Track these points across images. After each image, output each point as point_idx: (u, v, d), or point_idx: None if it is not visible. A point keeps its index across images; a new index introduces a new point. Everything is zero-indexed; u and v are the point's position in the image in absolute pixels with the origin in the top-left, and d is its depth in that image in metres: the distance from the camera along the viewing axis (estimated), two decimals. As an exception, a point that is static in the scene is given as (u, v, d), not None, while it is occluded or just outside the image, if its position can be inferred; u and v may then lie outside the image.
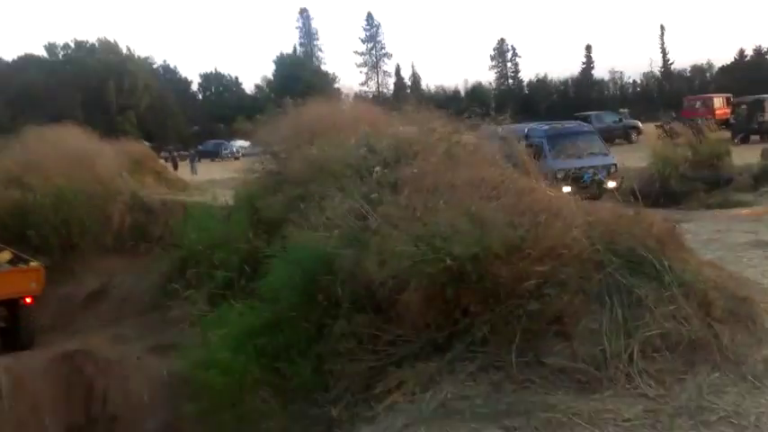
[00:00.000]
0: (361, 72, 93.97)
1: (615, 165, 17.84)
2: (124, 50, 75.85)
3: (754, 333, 4.91)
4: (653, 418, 4.03)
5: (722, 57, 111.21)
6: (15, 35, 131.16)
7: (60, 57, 74.37)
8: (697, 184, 18.19)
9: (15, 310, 12.04)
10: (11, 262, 12.53)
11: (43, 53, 75.15)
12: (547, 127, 18.53)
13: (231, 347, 6.85)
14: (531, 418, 4.17)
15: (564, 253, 4.96)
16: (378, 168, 6.94)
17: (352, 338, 5.76)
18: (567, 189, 14.46)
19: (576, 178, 15.48)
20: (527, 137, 16.38)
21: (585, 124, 21.67)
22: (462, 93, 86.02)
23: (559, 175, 14.41)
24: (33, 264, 12.50)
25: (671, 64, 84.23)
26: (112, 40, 76.33)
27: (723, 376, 4.42)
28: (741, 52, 78.70)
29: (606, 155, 18.00)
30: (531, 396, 4.45)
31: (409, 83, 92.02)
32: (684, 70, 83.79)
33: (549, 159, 15.49)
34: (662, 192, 17.30)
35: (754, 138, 32.43)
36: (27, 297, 12.10)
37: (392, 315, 5.64)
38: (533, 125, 19.48)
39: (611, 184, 16.20)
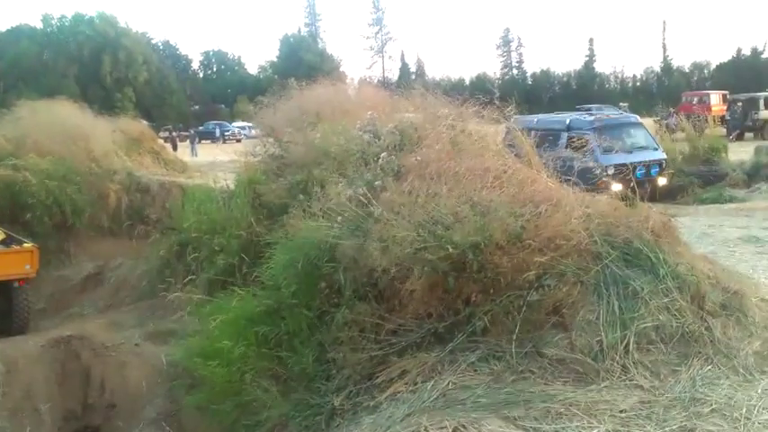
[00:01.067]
0: (366, 56, 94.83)
1: (666, 160, 17.16)
2: (123, 24, 75.98)
3: (745, 326, 5.17)
4: (648, 409, 4.28)
5: (720, 55, 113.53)
6: (12, 6, 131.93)
7: (55, 28, 74.44)
8: (692, 178, 18.76)
9: (8, 293, 12.15)
10: (4, 243, 12.57)
11: (39, 25, 75.36)
12: (592, 118, 17.43)
13: (231, 335, 7.10)
14: (531, 408, 4.40)
15: (563, 244, 5.21)
16: (383, 155, 7.15)
17: (354, 327, 6.01)
18: (617, 187, 14.02)
19: (626, 175, 14.43)
20: (568, 128, 15.87)
21: (631, 115, 20.52)
22: (467, 82, 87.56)
23: (609, 171, 14.07)
24: (27, 245, 12.57)
25: (671, 60, 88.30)
26: (110, 15, 76.49)
27: (716, 369, 4.67)
28: (738, 51, 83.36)
29: (656, 149, 17.12)
30: (531, 386, 4.70)
31: (414, 69, 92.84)
32: (683, 67, 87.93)
33: (597, 154, 14.69)
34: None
35: (749, 135, 34.14)
36: (20, 279, 12.20)
37: (394, 304, 5.89)
38: (574, 115, 18.62)
39: (662, 182, 15.80)
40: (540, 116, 19.03)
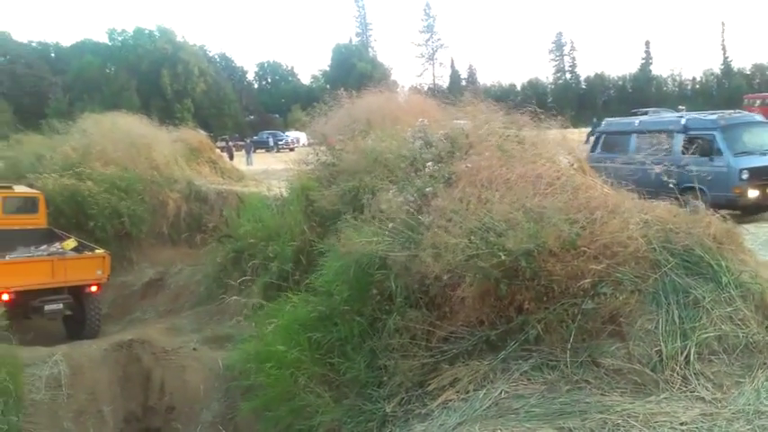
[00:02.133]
0: (417, 63, 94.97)
1: None
2: (180, 38, 77.75)
3: (813, 337, 4.86)
4: (710, 422, 4.07)
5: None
6: (76, 21, 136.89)
7: (119, 42, 76.68)
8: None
9: (81, 299, 12.40)
10: (76, 250, 12.94)
11: (105, 39, 77.76)
12: (715, 116, 14.79)
13: (285, 340, 7.11)
14: (587, 419, 4.24)
15: (620, 251, 5.03)
16: (429, 163, 7.07)
17: (405, 334, 5.94)
18: (753, 194, 12.63)
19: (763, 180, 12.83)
20: (686, 129, 13.81)
21: (753, 114, 17.52)
22: (518, 87, 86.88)
23: (744, 176, 12.68)
24: (99, 251, 12.86)
25: (731, 61, 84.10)
26: (170, 28, 78.46)
27: (781, 381, 4.43)
28: (802, 51, 78.93)
29: None
30: (586, 397, 4.54)
31: (465, 75, 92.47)
32: (744, 68, 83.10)
33: (728, 157, 12.93)
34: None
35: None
36: (93, 285, 12.42)
37: (446, 311, 5.80)
38: (691, 115, 16.19)
39: None
40: (644, 118, 17.17)
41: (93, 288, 12.48)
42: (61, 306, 12.12)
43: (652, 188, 6.47)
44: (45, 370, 9.71)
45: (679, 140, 13.19)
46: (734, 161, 12.98)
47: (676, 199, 6.30)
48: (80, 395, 9.69)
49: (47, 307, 11.97)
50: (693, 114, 16.23)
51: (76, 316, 12.47)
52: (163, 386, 10.00)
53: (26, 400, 9.05)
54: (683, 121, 14.28)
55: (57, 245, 13.08)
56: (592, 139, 16.26)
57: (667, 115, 18.96)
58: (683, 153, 12.28)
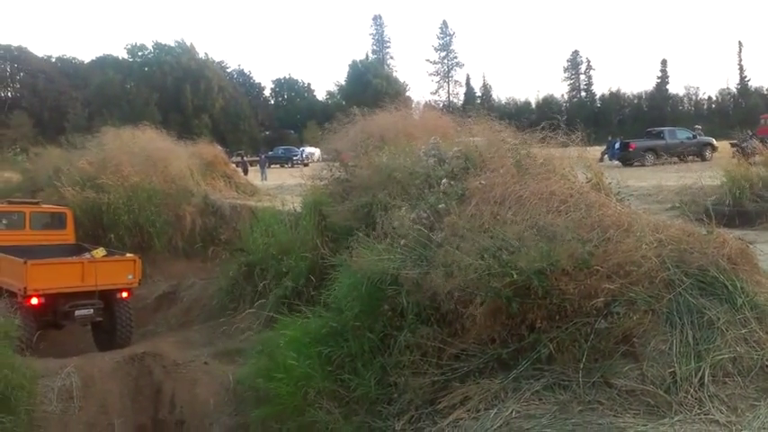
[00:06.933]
0: (432, 81, 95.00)
1: None
2: (201, 54, 78.55)
3: (829, 361, 4.74)
4: (724, 445, 3.99)
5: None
6: (97, 36, 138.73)
7: (138, 58, 77.42)
8: (772, 204, 17.19)
9: (112, 305, 12.15)
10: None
11: (124, 54, 78.52)
12: None
13: (296, 354, 7.06)
14: (599, 440, 4.14)
15: (633, 270, 4.95)
16: (444, 180, 7.03)
17: (416, 351, 5.89)
18: None
19: None
20: None
21: None
22: (533, 104, 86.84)
23: None
24: (130, 255, 12.76)
25: (748, 81, 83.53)
26: (190, 44, 79.17)
27: (797, 405, 4.32)
28: (820, 70, 78.25)
29: None
30: (599, 418, 4.46)
31: (480, 93, 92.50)
32: (761, 88, 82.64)
33: None
34: (735, 211, 16.21)
35: (831, 158, 31.37)
36: (124, 290, 12.23)
37: (457, 328, 5.74)
38: None
39: None
40: None
41: (124, 294, 12.28)
42: (92, 311, 11.87)
43: None
44: (57, 381, 9.68)
45: None
46: None
47: None
48: (91, 407, 9.66)
49: (77, 312, 11.72)
50: None
51: (106, 324, 12.24)
52: (173, 399, 9.95)
53: (38, 412, 9.03)
54: None
55: (86, 255, 12.96)
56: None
57: None
58: None
